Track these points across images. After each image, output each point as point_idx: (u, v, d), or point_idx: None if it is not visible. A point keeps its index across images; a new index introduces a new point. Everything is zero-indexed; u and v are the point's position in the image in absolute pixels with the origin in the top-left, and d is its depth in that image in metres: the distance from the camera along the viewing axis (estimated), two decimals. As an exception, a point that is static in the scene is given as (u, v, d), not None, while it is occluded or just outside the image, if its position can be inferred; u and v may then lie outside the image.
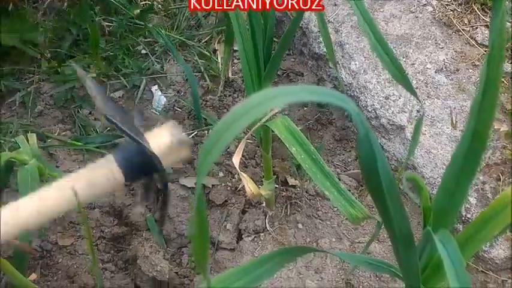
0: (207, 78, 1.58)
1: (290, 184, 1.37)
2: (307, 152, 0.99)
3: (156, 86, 1.59)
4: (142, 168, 0.67)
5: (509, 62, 1.30)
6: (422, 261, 0.75)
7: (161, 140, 0.68)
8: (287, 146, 1.01)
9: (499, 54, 0.53)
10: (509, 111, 1.24)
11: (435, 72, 1.32)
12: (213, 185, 1.33)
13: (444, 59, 1.33)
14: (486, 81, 0.54)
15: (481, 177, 1.18)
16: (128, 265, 1.27)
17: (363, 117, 0.50)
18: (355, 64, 1.37)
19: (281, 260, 0.69)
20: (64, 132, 1.49)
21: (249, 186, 1.23)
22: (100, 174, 0.67)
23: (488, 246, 1.14)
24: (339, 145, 1.47)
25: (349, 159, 1.42)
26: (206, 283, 0.56)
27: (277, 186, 1.35)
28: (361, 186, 1.36)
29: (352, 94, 1.38)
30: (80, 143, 1.43)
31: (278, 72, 1.62)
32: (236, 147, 1.15)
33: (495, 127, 1.19)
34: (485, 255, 1.15)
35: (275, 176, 1.27)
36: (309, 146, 0.99)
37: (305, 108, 1.55)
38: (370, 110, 1.34)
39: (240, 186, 1.35)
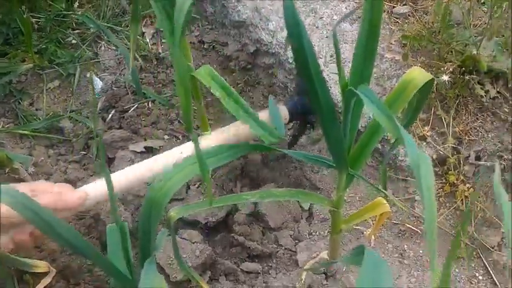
0: (139, 58, 1.70)
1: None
2: (230, 94, 1.14)
3: (91, 72, 1.69)
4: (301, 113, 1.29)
5: (403, 4, 1.52)
6: (347, 144, 0.92)
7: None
8: (212, 91, 1.15)
9: None
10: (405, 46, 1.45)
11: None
12: (160, 146, 1.45)
13: (345, 10, 1.53)
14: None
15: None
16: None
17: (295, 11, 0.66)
18: (273, 24, 1.55)
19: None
20: (8, 125, 1.55)
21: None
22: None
23: (404, 155, 1.35)
24: (268, 101, 1.64)
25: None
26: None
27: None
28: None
29: (273, 51, 1.55)
30: (27, 131, 1.50)
31: (204, 46, 1.76)
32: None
33: (388, 56, 1.40)
34: (402, 164, 1.35)
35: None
36: (231, 89, 1.14)
37: (233, 74, 1.71)
38: (290, 61, 1.52)
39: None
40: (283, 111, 1.29)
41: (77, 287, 1.16)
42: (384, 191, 1.04)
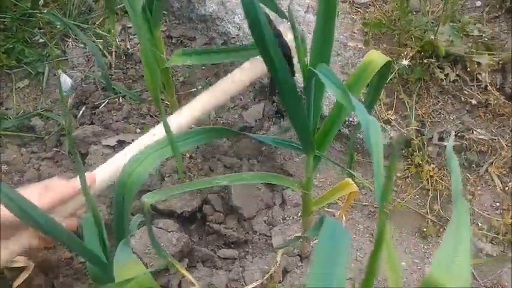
0: (107, 55, 1.71)
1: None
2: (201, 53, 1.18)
3: (60, 70, 1.69)
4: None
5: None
6: (312, 126, 0.96)
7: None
8: (183, 62, 1.19)
9: None
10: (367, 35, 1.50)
11: (304, 12, 1.56)
12: (133, 140, 1.46)
13: (309, 2, 1.58)
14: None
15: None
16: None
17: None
18: (238, 17, 1.58)
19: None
20: (-21, 127, 1.54)
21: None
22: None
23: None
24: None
25: (248, 101, 1.63)
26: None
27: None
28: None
29: (241, 43, 1.58)
30: (-2, 130, 1.50)
31: (172, 41, 1.78)
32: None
33: (351, 45, 1.45)
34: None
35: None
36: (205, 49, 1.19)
37: (203, 68, 1.73)
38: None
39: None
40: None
41: (56, 280, 1.17)
42: (350, 170, 1.08)
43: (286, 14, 1.09)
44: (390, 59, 0.98)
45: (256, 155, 1.49)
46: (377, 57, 0.99)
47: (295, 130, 0.94)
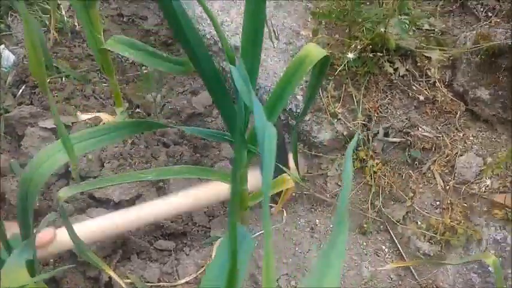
0: (53, 31, 1.63)
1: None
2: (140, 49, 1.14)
3: (3, 45, 1.61)
4: None
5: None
6: (243, 120, 0.92)
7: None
8: (121, 53, 1.14)
9: None
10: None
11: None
12: (73, 123, 1.41)
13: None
14: None
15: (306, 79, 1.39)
16: None
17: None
18: (190, -2, 1.52)
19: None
20: None
21: (107, 118, 1.34)
22: None
23: (316, 132, 1.37)
24: (188, 77, 1.62)
25: (198, 87, 1.58)
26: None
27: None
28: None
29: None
30: None
31: (123, 19, 1.71)
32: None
33: (304, 33, 1.41)
34: (315, 140, 1.37)
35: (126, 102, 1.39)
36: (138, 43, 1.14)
37: (154, 49, 1.67)
38: (209, 37, 1.50)
39: (100, 123, 1.45)
40: None
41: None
42: (284, 168, 1.05)
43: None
44: (327, 54, 0.95)
45: (202, 143, 1.45)
46: (314, 51, 0.95)
47: (224, 123, 0.90)
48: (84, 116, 1.37)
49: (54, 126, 1.40)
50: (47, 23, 1.64)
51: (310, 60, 0.95)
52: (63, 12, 1.67)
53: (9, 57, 1.59)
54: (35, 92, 1.48)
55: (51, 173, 0.72)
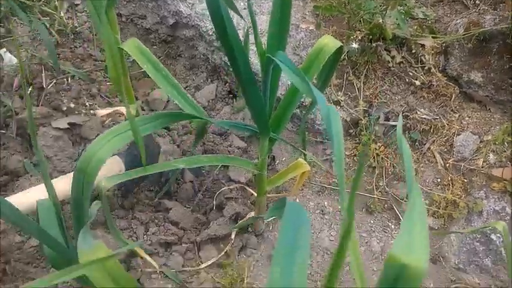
0: (54, 33, 1.65)
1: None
2: (157, 69, 1.15)
3: (4, 48, 1.63)
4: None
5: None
6: (268, 110, 0.98)
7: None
8: (140, 65, 1.16)
9: None
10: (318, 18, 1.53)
11: (257, -7, 1.57)
12: (84, 121, 1.44)
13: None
14: None
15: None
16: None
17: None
18: (190, -4, 1.57)
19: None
20: None
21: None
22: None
23: (321, 119, 1.44)
24: (190, 73, 1.67)
25: (201, 82, 1.63)
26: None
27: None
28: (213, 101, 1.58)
29: (193, 24, 1.58)
30: None
31: (123, 19, 1.75)
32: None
33: (303, 27, 1.48)
34: (320, 128, 1.44)
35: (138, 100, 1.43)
36: (159, 64, 1.16)
37: (154, 47, 1.71)
38: (210, 33, 1.55)
39: (107, 121, 1.48)
40: (119, 164, 1.26)
41: (7, 265, 1.15)
42: (303, 150, 1.12)
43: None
44: (342, 44, 1.02)
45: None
46: (330, 42, 1.02)
47: (251, 114, 0.96)
48: (102, 112, 1.41)
49: (67, 126, 1.43)
50: (47, 25, 1.66)
51: (326, 51, 1.01)
52: (63, 14, 1.69)
53: (11, 59, 1.60)
54: (42, 93, 1.51)
55: (106, 158, 0.76)
